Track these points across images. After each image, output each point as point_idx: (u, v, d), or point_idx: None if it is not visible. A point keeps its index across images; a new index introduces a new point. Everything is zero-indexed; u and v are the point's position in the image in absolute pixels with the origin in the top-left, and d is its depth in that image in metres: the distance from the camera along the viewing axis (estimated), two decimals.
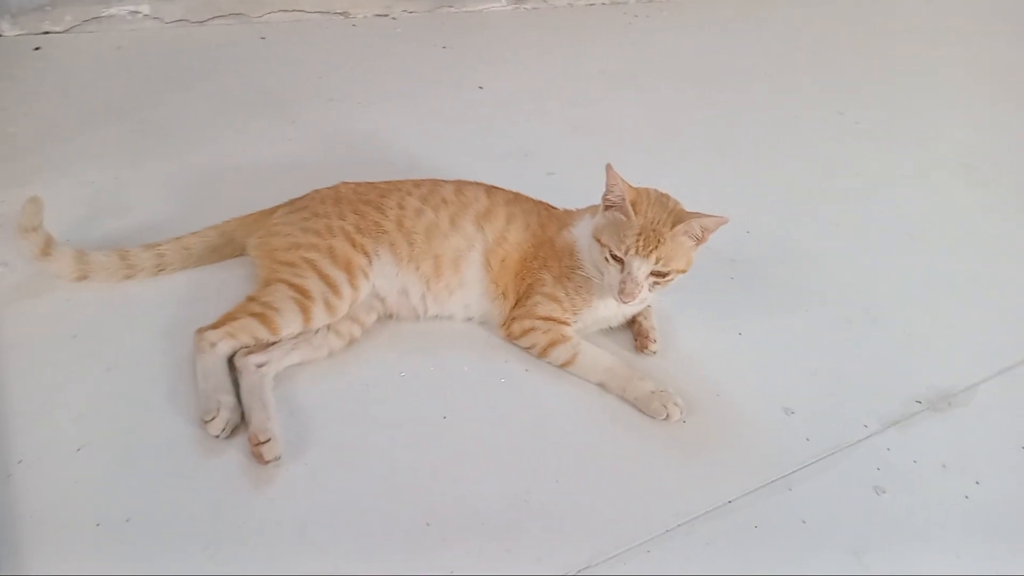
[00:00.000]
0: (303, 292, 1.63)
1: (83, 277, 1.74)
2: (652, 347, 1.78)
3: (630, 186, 1.63)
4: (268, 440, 1.45)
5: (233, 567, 1.32)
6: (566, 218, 1.83)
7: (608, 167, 1.63)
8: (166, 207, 2.08)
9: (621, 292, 1.61)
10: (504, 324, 1.78)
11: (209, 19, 3.03)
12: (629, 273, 1.60)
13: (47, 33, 2.85)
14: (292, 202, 1.85)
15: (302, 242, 1.71)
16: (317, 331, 1.67)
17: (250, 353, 1.61)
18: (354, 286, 1.68)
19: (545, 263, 1.77)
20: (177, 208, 2.07)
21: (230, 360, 1.60)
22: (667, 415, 1.62)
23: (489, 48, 3.13)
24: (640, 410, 1.65)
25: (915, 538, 1.48)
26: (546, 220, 1.83)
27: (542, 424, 1.62)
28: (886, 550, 1.45)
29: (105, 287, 1.77)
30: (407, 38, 3.14)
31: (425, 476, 1.49)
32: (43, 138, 2.31)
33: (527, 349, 1.75)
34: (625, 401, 1.67)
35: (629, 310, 1.79)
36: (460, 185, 1.85)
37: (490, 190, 1.85)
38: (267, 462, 1.45)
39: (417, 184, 1.84)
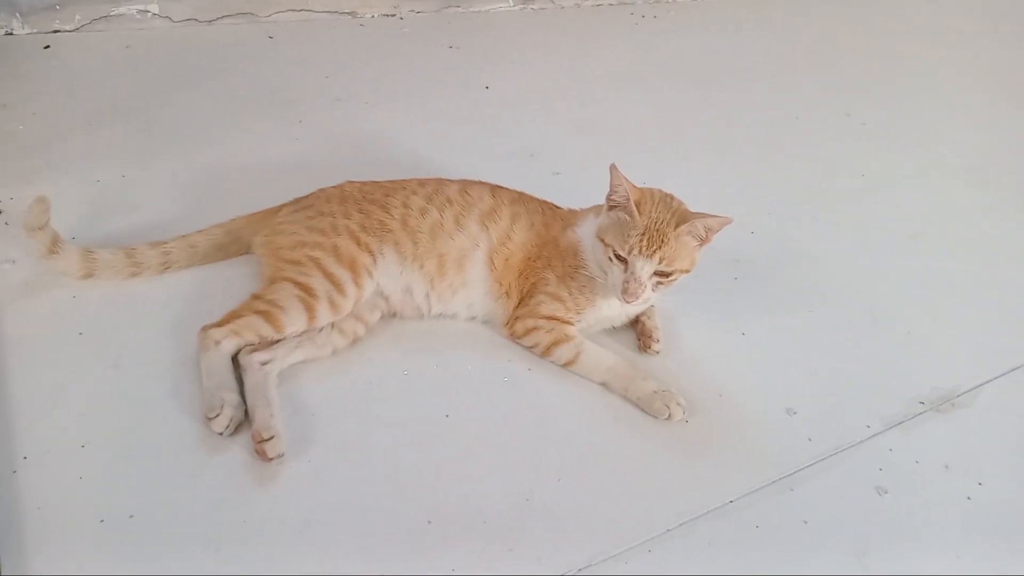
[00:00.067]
0: (308, 290, 1.64)
1: (89, 275, 1.75)
2: (655, 347, 1.78)
3: (634, 186, 1.64)
4: (271, 437, 1.46)
5: (236, 564, 1.33)
6: (570, 218, 1.83)
7: (612, 167, 1.63)
8: (172, 205, 2.09)
9: (624, 292, 1.61)
10: (507, 323, 1.78)
11: (218, 18, 3.04)
12: (633, 273, 1.60)
13: (57, 32, 2.86)
14: (297, 201, 1.85)
15: (307, 240, 1.72)
16: (321, 329, 1.68)
17: (254, 351, 1.61)
18: (358, 285, 1.69)
19: (549, 262, 1.77)
20: (183, 206, 2.08)
21: (234, 358, 1.60)
22: (669, 415, 1.62)
23: (496, 48, 3.13)
24: (643, 410, 1.65)
25: (917, 539, 1.48)
26: (550, 220, 1.83)
27: (545, 423, 1.62)
28: (888, 551, 1.45)
29: (111, 285, 1.78)
30: (414, 38, 3.14)
31: (427, 475, 1.50)
32: (51, 136, 2.32)
33: (530, 348, 1.76)
34: (628, 401, 1.67)
35: (632, 310, 1.79)
36: (465, 184, 1.86)
37: (495, 189, 1.86)
38: (270, 459, 1.46)
39: (422, 183, 1.84)
